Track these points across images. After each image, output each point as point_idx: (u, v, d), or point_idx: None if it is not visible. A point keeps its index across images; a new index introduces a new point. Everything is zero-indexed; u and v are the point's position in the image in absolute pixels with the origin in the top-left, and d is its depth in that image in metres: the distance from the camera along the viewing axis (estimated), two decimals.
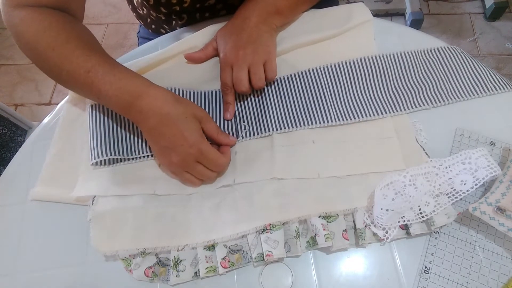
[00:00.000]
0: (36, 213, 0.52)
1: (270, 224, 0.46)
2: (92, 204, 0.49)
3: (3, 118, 1.30)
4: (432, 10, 1.74)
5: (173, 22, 0.71)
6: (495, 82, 0.57)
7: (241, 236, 0.47)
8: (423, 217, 0.46)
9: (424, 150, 0.51)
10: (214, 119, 0.56)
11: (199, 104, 0.57)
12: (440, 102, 0.55)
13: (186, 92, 0.56)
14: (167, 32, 0.75)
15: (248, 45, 0.55)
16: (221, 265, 0.46)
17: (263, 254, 0.45)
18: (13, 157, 0.57)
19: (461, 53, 0.60)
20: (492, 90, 0.56)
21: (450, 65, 0.59)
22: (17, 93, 1.61)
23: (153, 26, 0.76)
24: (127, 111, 0.48)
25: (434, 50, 0.60)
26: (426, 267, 0.46)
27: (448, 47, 0.60)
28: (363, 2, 0.59)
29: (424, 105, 0.55)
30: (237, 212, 0.48)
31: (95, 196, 0.50)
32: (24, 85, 1.63)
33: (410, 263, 0.46)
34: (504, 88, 0.56)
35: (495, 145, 0.52)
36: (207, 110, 0.56)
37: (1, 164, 1.26)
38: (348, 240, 0.46)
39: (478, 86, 0.56)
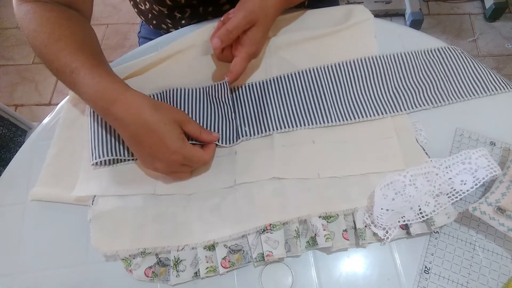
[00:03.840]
0: (36, 213, 0.52)
1: (271, 224, 0.46)
2: (92, 204, 0.49)
3: (3, 119, 1.30)
4: (432, 10, 1.74)
5: (176, 16, 0.71)
6: (495, 82, 0.57)
7: (241, 236, 0.47)
8: (423, 217, 0.46)
9: (424, 150, 0.52)
10: (210, 117, 0.55)
11: (193, 101, 0.56)
12: (440, 102, 0.55)
13: (180, 90, 0.56)
14: (168, 28, 0.75)
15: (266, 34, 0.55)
16: (221, 265, 0.46)
17: (263, 254, 0.45)
18: (13, 157, 0.57)
19: (461, 53, 0.60)
20: (492, 90, 0.56)
21: (450, 65, 0.59)
22: (17, 94, 1.61)
23: (154, 22, 0.76)
24: (105, 117, 0.47)
25: (434, 50, 0.60)
26: (426, 267, 0.46)
27: (448, 47, 0.60)
28: (363, 2, 0.59)
29: (424, 105, 0.55)
30: (237, 212, 0.48)
31: (95, 196, 0.50)
32: (24, 86, 1.63)
33: (410, 263, 0.46)
34: (504, 88, 0.56)
35: (495, 145, 0.52)
36: (203, 107, 0.55)
37: (1, 165, 1.26)
38: (348, 240, 0.46)
39: (478, 86, 0.56)
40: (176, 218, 0.49)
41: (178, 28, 0.73)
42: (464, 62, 0.59)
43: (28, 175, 0.55)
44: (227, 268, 0.46)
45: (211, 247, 0.47)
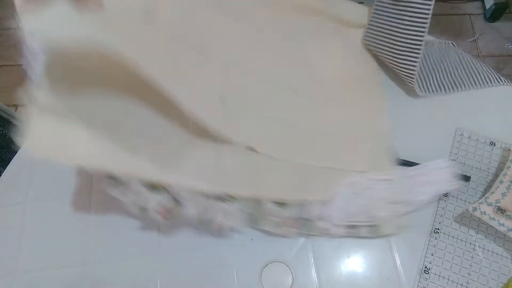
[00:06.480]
0: (36, 213, 0.52)
1: (229, 195, 0.45)
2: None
3: (3, 119, 1.30)
4: (432, 10, 1.74)
5: None
6: (490, 75, 0.57)
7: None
8: (374, 222, 0.46)
9: (397, 157, 0.51)
10: None
11: None
12: (436, 91, 0.55)
13: None
14: None
15: None
16: (155, 210, 0.43)
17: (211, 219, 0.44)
18: (13, 157, 0.57)
19: (456, 47, 0.60)
20: (487, 83, 0.56)
21: (446, 57, 0.59)
22: (17, 94, 1.61)
23: None
24: None
25: (430, 43, 0.60)
26: (426, 267, 0.46)
27: (444, 42, 0.61)
28: (363, 3, 0.59)
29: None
30: (202, 170, 0.46)
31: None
32: (24, 86, 1.63)
33: (410, 263, 0.46)
34: (499, 82, 0.56)
35: (495, 145, 0.52)
36: None
37: (1, 165, 1.26)
38: (296, 229, 0.46)
39: (474, 78, 0.57)
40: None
41: None
42: (459, 56, 0.59)
43: (28, 175, 0.55)
44: (162, 214, 0.43)
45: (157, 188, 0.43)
